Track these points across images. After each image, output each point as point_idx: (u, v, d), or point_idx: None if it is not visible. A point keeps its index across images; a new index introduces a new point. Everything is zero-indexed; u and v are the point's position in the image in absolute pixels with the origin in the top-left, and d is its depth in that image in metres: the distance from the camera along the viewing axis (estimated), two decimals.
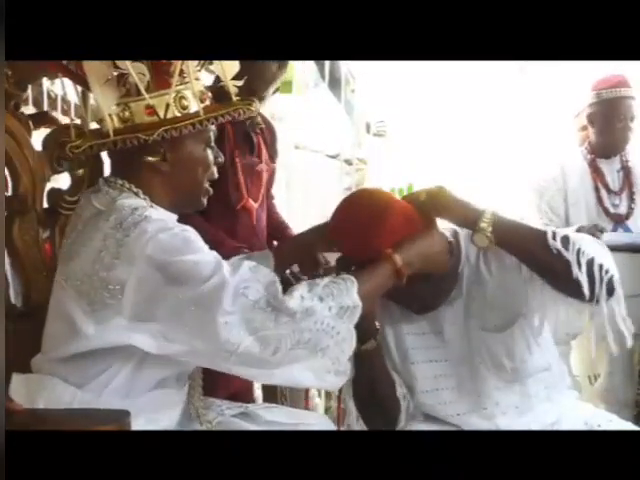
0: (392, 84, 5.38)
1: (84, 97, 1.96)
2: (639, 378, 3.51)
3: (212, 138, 1.96)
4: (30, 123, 2.24)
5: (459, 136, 5.66)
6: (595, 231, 3.59)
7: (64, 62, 1.94)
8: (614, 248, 3.49)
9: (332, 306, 1.78)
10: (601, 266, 1.94)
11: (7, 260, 2.13)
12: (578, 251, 1.93)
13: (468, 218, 2.00)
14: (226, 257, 1.86)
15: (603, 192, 3.83)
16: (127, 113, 1.88)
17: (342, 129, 5.27)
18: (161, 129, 1.83)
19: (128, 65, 1.81)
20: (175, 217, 1.94)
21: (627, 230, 3.79)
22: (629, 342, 1.98)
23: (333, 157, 5.23)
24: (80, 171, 2.22)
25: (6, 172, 2.11)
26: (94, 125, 1.98)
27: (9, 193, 2.16)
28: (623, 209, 3.82)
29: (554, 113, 5.22)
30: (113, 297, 1.76)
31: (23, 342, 1.92)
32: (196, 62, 1.89)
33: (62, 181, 2.29)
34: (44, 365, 1.89)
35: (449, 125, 5.69)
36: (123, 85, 1.87)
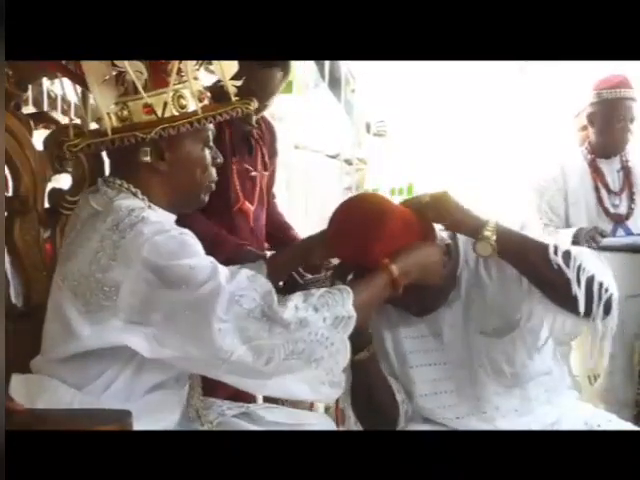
0: (392, 84, 5.38)
1: (84, 97, 1.96)
2: (639, 378, 3.51)
3: (210, 138, 1.95)
4: (31, 123, 2.24)
5: (459, 136, 5.66)
6: (595, 233, 3.60)
7: (63, 62, 1.93)
8: (615, 249, 3.52)
9: (327, 317, 1.77)
10: (601, 284, 1.93)
11: (7, 260, 2.14)
12: (579, 268, 1.92)
13: (471, 225, 2.00)
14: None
15: (603, 192, 3.82)
16: (125, 112, 1.87)
17: (342, 129, 5.27)
18: (158, 127, 1.82)
19: (126, 63, 1.81)
20: (173, 218, 1.93)
21: (627, 230, 3.79)
22: (605, 362, 1.99)
23: (333, 157, 5.23)
24: (80, 171, 2.22)
25: (7, 172, 2.11)
26: (94, 125, 1.98)
27: (10, 193, 2.16)
28: (623, 209, 3.82)
29: (554, 113, 5.22)
30: (108, 299, 1.76)
31: (23, 342, 1.92)
32: (194, 61, 1.89)
33: (63, 181, 2.29)
34: (43, 366, 1.89)
35: (449, 125, 5.69)
36: (121, 84, 1.87)
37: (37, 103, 4.29)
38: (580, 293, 1.91)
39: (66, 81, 2.01)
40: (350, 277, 1.98)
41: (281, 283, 2.29)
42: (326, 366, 1.77)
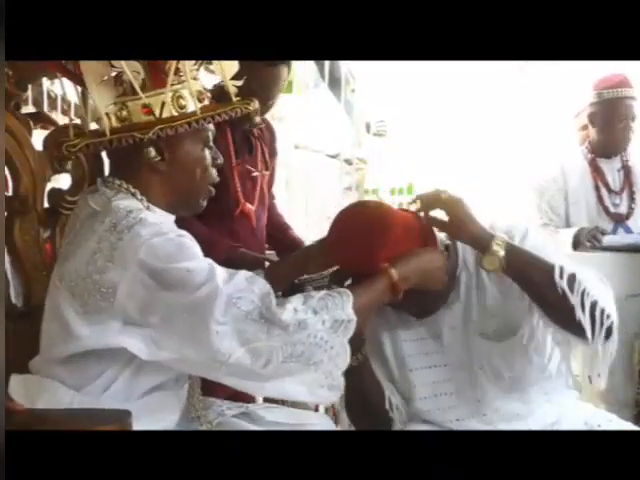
0: (392, 84, 5.38)
1: (84, 97, 1.96)
2: (639, 378, 3.51)
3: (211, 138, 1.94)
4: (31, 123, 2.24)
5: (459, 136, 5.66)
6: (597, 232, 3.60)
7: (62, 62, 1.93)
8: (616, 249, 3.53)
9: (326, 320, 1.77)
10: (603, 311, 1.92)
11: (7, 260, 2.14)
12: (583, 292, 1.91)
13: (480, 238, 1.98)
14: (222, 256, 1.85)
15: (603, 191, 3.83)
16: (125, 112, 1.87)
17: (342, 129, 5.27)
18: (156, 128, 1.82)
19: (123, 64, 1.81)
20: (172, 218, 1.93)
21: (627, 229, 3.79)
22: (603, 383, 1.99)
23: (333, 157, 5.23)
24: (80, 171, 2.22)
25: (7, 172, 2.11)
26: (95, 125, 1.98)
27: (10, 193, 2.16)
28: (623, 208, 3.83)
29: (554, 113, 5.22)
30: (105, 300, 1.76)
31: (23, 342, 1.91)
32: (193, 62, 1.89)
33: (63, 181, 2.29)
34: (42, 367, 1.88)
35: (449, 125, 5.69)
36: (120, 84, 1.87)
37: (37, 103, 4.29)
38: (585, 319, 1.91)
39: (66, 81, 2.01)
40: (348, 283, 1.96)
41: None
42: (325, 369, 1.77)
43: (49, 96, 4.49)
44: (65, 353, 1.82)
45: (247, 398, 2.32)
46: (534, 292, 1.97)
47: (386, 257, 1.92)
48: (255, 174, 2.85)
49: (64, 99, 4.47)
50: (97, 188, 1.91)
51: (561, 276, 1.93)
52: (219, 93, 2.04)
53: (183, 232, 1.82)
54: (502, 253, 1.95)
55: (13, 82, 2.15)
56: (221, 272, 1.77)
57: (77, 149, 1.88)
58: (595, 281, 1.97)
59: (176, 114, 1.86)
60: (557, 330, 1.97)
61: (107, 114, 1.86)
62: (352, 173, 5.29)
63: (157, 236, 1.76)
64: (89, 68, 1.83)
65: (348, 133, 5.32)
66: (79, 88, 1.97)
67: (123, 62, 1.80)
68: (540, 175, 3.95)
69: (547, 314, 1.96)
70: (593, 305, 1.91)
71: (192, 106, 1.88)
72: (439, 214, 2.03)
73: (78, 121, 2.13)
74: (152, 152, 1.85)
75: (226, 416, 2.07)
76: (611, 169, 3.86)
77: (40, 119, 2.32)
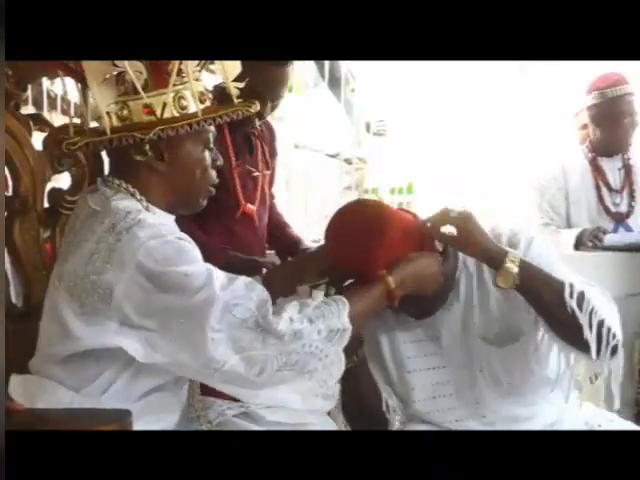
0: (392, 83, 5.38)
1: (84, 96, 1.96)
2: (639, 377, 3.51)
3: (211, 140, 1.94)
4: (30, 123, 2.24)
5: (459, 135, 5.66)
6: (598, 232, 3.60)
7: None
8: (616, 248, 3.53)
9: (322, 329, 1.77)
10: (609, 329, 1.92)
11: (7, 260, 2.14)
12: (591, 311, 1.91)
13: (494, 254, 1.96)
14: (211, 258, 1.85)
15: (604, 191, 3.83)
16: (125, 111, 1.86)
17: (342, 128, 5.27)
18: (157, 128, 1.81)
19: (125, 63, 1.80)
20: (172, 218, 1.93)
21: (628, 228, 3.79)
22: (616, 404, 2.01)
23: (333, 156, 5.23)
24: (80, 171, 2.22)
25: (7, 172, 2.11)
26: (95, 124, 1.97)
27: (10, 193, 2.16)
28: (624, 207, 3.83)
29: (554, 112, 5.22)
30: (103, 301, 1.75)
31: (23, 342, 1.91)
32: (196, 62, 1.88)
33: (63, 181, 2.29)
34: (42, 367, 1.88)
35: (449, 124, 5.68)
36: (122, 83, 1.86)
37: (37, 103, 4.29)
38: (592, 338, 1.91)
39: (66, 80, 2.00)
40: (347, 284, 1.96)
41: None
42: (320, 378, 1.78)
43: (49, 96, 4.49)
44: (63, 353, 1.82)
45: None
46: (543, 309, 1.96)
47: (383, 256, 1.92)
48: (256, 174, 2.84)
49: (64, 99, 4.47)
50: (97, 188, 1.91)
51: (571, 295, 1.92)
52: (220, 94, 2.03)
53: (183, 235, 1.82)
54: (516, 270, 1.93)
55: (13, 82, 2.15)
56: (220, 277, 1.77)
57: (77, 147, 1.87)
58: (601, 299, 1.97)
59: (177, 115, 1.86)
60: (562, 346, 1.97)
61: (108, 113, 1.85)
62: (352, 172, 5.29)
63: (155, 238, 1.75)
64: (91, 66, 1.83)
65: (348, 133, 5.32)
66: (79, 87, 1.97)
67: (126, 62, 1.80)
68: (541, 174, 3.96)
69: (553, 329, 1.96)
70: (600, 324, 1.92)
71: (193, 107, 1.87)
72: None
73: (78, 121, 2.13)
74: (152, 151, 1.85)
75: (226, 416, 2.07)
76: (612, 168, 3.86)
77: (37, 121, 2.32)
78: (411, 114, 5.72)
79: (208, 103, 1.92)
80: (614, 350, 1.94)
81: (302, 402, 1.80)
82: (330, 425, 2.12)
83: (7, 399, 1.79)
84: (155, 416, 1.86)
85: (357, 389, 2.09)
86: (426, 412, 2.14)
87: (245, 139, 2.82)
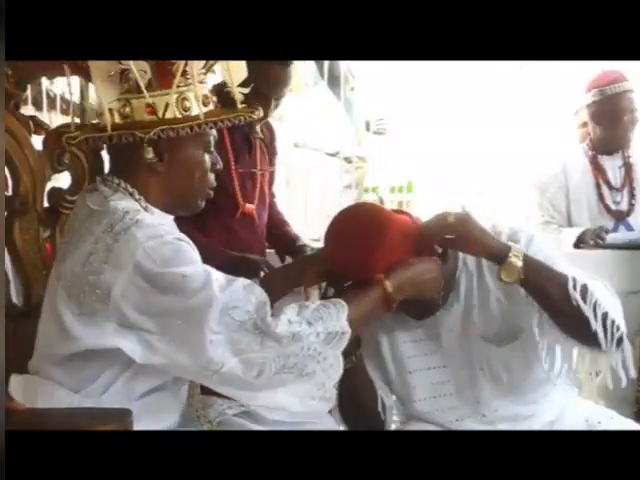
0: (392, 82, 5.37)
1: (83, 95, 1.96)
2: (639, 374, 3.51)
3: (212, 143, 1.93)
4: (30, 123, 2.23)
5: (459, 134, 5.65)
6: (601, 232, 3.60)
7: None
8: (617, 247, 3.53)
9: (320, 332, 1.77)
10: (613, 322, 1.93)
11: (8, 259, 2.14)
12: (595, 304, 1.92)
13: (496, 250, 1.96)
14: (210, 259, 1.85)
15: (604, 189, 3.83)
16: (128, 109, 1.86)
17: (342, 127, 5.26)
18: (157, 128, 1.81)
19: (130, 61, 1.80)
20: (170, 219, 1.92)
21: (628, 226, 3.79)
22: (624, 382, 2.01)
23: (333, 155, 5.22)
24: (80, 170, 2.22)
25: (6, 172, 2.11)
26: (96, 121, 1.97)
27: (9, 193, 2.16)
28: (624, 206, 3.83)
29: (554, 110, 5.21)
30: (101, 301, 1.75)
31: (23, 342, 1.91)
32: (201, 65, 1.87)
33: (63, 180, 2.29)
34: (41, 368, 1.88)
35: (449, 123, 5.68)
36: (126, 81, 1.85)
37: (36, 102, 4.29)
38: (599, 330, 1.92)
39: (66, 80, 2.00)
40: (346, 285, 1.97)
41: None
42: (318, 381, 1.78)
43: (48, 96, 4.49)
44: (62, 354, 1.82)
45: None
46: (547, 303, 1.96)
47: (382, 259, 1.92)
48: (254, 171, 2.84)
49: (63, 98, 4.47)
50: (96, 187, 1.91)
51: (575, 288, 1.93)
52: (219, 92, 2.03)
53: (181, 235, 1.82)
54: (520, 264, 1.94)
55: (12, 82, 2.15)
56: (219, 278, 1.77)
57: (77, 141, 1.87)
58: (604, 292, 1.97)
59: (179, 116, 1.85)
60: (565, 341, 1.97)
61: (110, 110, 1.85)
62: (352, 171, 5.28)
63: (153, 239, 1.75)
64: (96, 63, 1.82)
65: (348, 131, 5.31)
66: (79, 86, 1.97)
67: (131, 61, 1.80)
68: (541, 172, 3.96)
69: (558, 324, 1.96)
70: (604, 316, 1.93)
71: (196, 110, 1.87)
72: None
73: (78, 120, 2.13)
74: (152, 151, 1.84)
75: (227, 415, 2.07)
76: (612, 166, 3.86)
77: (34, 123, 2.32)
78: (411, 113, 5.72)
79: (211, 106, 1.91)
80: (619, 341, 1.95)
81: (300, 404, 1.80)
82: (331, 424, 2.13)
83: (7, 398, 1.79)
84: (155, 416, 1.86)
85: (353, 388, 2.09)
86: (426, 412, 2.14)
87: (244, 139, 2.82)
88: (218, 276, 1.77)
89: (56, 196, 2.22)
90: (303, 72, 4.86)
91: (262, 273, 2.49)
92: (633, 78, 3.85)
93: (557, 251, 2.12)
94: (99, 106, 1.87)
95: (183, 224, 1.98)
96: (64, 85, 2.01)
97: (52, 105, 4.50)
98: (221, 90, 2.15)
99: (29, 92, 3.49)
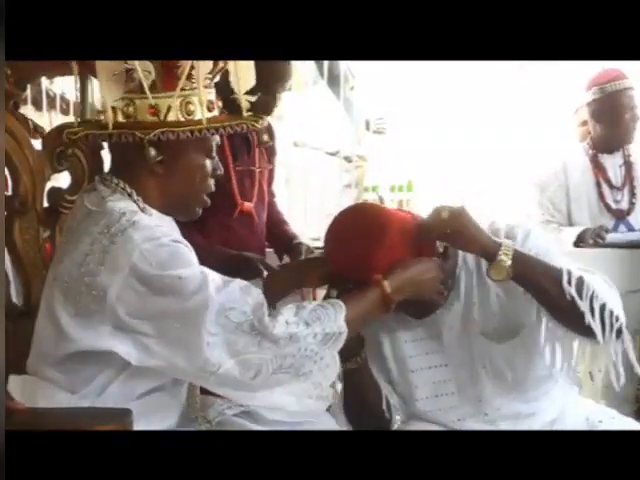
0: (391, 81, 5.37)
1: (83, 95, 1.96)
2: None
3: (214, 148, 1.92)
4: (30, 123, 2.24)
5: (459, 133, 5.65)
6: (601, 231, 3.60)
7: None
8: (617, 246, 3.53)
9: (318, 333, 1.77)
10: (612, 312, 1.93)
11: (7, 259, 2.14)
12: (591, 296, 1.92)
13: (486, 246, 1.96)
14: (207, 260, 1.85)
15: (605, 187, 3.84)
16: (131, 109, 1.85)
17: (341, 126, 5.25)
18: (158, 130, 1.80)
19: (135, 62, 1.80)
20: (168, 220, 1.92)
21: (628, 225, 3.80)
22: (621, 380, 2.00)
23: (332, 154, 5.22)
24: (79, 170, 2.22)
25: (6, 172, 2.11)
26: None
27: (9, 193, 2.16)
28: (624, 204, 3.83)
29: (555, 109, 5.21)
30: (97, 303, 1.75)
31: (23, 342, 1.91)
32: (207, 70, 1.86)
33: (62, 180, 2.29)
34: (39, 369, 1.87)
35: (449, 122, 5.68)
36: (131, 80, 1.84)
37: (36, 102, 4.29)
38: (595, 323, 1.91)
39: (66, 80, 2.00)
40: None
41: None
42: (315, 380, 1.79)
43: (48, 95, 4.49)
44: (58, 354, 1.82)
45: None
46: (543, 298, 1.97)
47: (383, 258, 1.92)
48: (252, 169, 2.84)
49: (63, 98, 4.47)
50: (94, 187, 1.91)
51: (569, 282, 1.93)
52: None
53: (178, 237, 1.82)
54: (509, 262, 1.93)
55: (12, 82, 2.15)
56: (215, 279, 1.77)
57: (77, 137, 1.87)
58: (602, 283, 1.97)
59: (182, 119, 1.84)
60: (566, 333, 1.97)
61: (114, 108, 1.85)
62: (352, 170, 5.28)
63: (149, 241, 1.75)
64: (102, 61, 1.82)
65: (347, 130, 5.31)
66: (78, 86, 1.96)
67: (136, 61, 1.79)
68: (541, 171, 3.96)
69: (556, 318, 1.97)
70: (602, 308, 1.92)
71: (199, 114, 1.85)
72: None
73: (77, 120, 2.12)
74: (152, 152, 1.84)
75: (226, 415, 2.07)
76: (612, 165, 3.86)
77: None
78: (411, 112, 5.72)
79: (216, 112, 1.91)
80: (619, 332, 1.94)
81: (297, 404, 1.80)
82: (330, 422, 2.12)
83: (7, 398, 1.79)
84: (154, 416, 1.86)
85: (358, 388, 2.09)
86: (428, 411, 2.14)
87: (243, 139, 2.82)
88: (215, 277, 1.77)
89: (56, 196, 2.22)
90: (303, 71, 4.85)
91: (265, 273, 2.48)
92: (633, 76, 3.85)
93: (555, 246, 2.13)
94: (103, 104, 1.87)
95: (181, 223, 1.98)
96: (68, 84, 2.00)
97: (52, 105, 4.50)
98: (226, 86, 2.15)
99: (29, 92, 3.49)
